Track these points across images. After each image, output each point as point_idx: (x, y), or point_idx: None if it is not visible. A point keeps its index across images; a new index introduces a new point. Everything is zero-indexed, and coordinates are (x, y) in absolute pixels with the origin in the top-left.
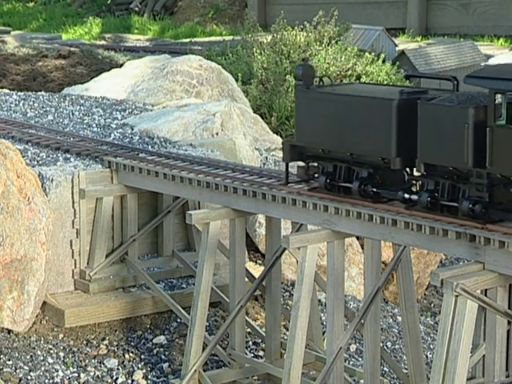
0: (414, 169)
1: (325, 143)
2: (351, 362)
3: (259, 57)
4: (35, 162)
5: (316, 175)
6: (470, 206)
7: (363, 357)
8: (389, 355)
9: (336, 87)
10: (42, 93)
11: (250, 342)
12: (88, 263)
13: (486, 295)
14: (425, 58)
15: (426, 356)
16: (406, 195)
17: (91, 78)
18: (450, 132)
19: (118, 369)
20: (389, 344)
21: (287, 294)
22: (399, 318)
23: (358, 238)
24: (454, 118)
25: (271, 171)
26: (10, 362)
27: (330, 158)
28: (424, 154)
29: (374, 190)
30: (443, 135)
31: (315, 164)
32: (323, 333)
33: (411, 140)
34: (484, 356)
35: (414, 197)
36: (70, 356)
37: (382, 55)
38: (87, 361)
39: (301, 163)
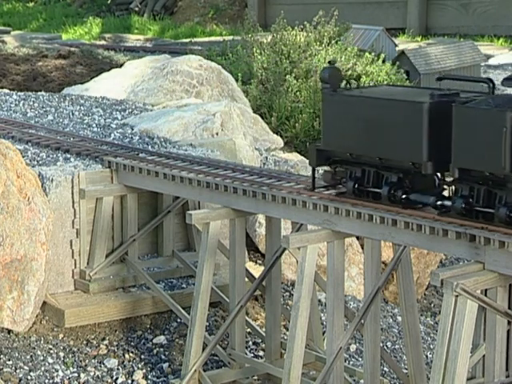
0: (446, 173)
1: (353, 147)
2: (351, 362)
3: (259, 57)
4: (35, 162)
5: (343, 180)
6: (508, 212)
7: (363, 357)
8: (389, 355)
9: (364, 90)
10: (42, 93)
11: (250, 342)
12: (88, 263)
13: (485, 295)
14: (425, 57)
15: (426, 356)
16: (439, 201)
17: (91, 78)
18: (487, 136)
19: (118, 369)
20: (389, 344)
21: (287, 294)
22: (399, 318)
23: (358, 238)
24: (491, 121)
25: (271, 171)
26: (10, 362)
27: (358, 162)
28: (458, 159)
29: (405, 195)
30: (479, 139)
31: (342, 168)
32: (323, 333)
33: (443, 144)
34: (484, 356)
35: (448, 202)
36: (70, 356)
37: (382, 55)
38: (87, 361)
39: (327, 167)
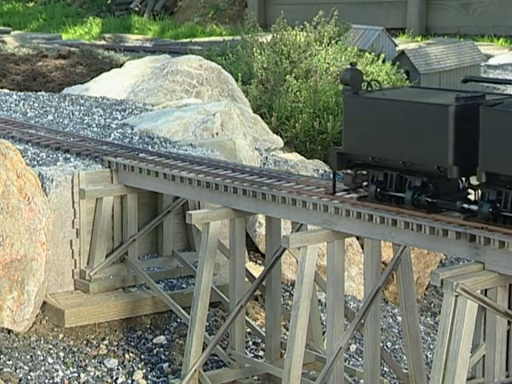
0: (471, 177)
1: (375, 151)
2: (351, 362)
3: (259, 57)
4: (35, 162)
5: (364, 183)
6: None
7: (363, 357)
8: (389, 355)
9: (385, 92)
10: (42, 93)
11: (250, 342)
12: (88, 263)
13: (485, 295)
14: (425, 57)
15: (426, 356)
16: (465, 205)
17: (91, 78)
18: None
19: (118, 369)
20: (389, 344)
21: (287, 294)
22: (399, 318)
23: (357, 238)
24: None
25: (271, 171)
26: (10, 362)
27: (381, 166)
28: (486, 163)
29: (429, 199)
30: (508, 143)
31: (363, 172)
32: (323, 333)
33: (469, 147)
34: (484, 356)
35: (474, 207)
36: (70, 356)
37: (382, 55)
38: (87, 361)
39: (348, 170)
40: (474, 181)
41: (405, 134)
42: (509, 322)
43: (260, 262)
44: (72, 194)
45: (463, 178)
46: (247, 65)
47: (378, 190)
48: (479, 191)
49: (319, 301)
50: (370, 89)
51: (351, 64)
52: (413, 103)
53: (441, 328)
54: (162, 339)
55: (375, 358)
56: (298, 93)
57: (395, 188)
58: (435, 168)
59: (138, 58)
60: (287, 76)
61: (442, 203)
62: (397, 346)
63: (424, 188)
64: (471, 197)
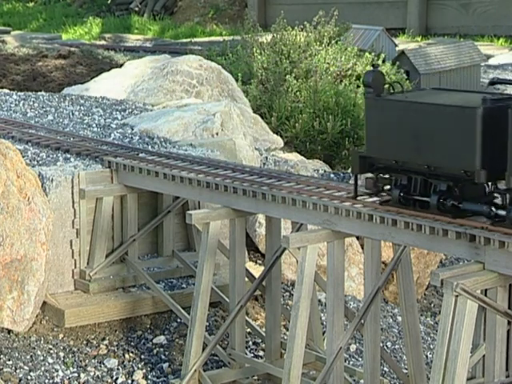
0: (498, 182)
1: (398, 154)
2: (351, 362)
3: (259, 57)
4: (35, 162)
5: (386, 187)
6: None
7: (363, 357)
8: (389, 355)
9: (408, 94)
10: (42, 93)
11: (250, 342)
12: (88, 263)
13: (486, 295)
14: (425, 57)
15: (426, 356)
16: (492, 210)
17: (91, 78)
18: None
19: (118, 369)
20: (389, 344)
21: (287, 294)
22: (399, 318)
23: (357, 238)
24: None
25: (271, 171)
26: (10, 362)
27: (405, 169)
28: None
29: (455, 204)
30: None
31: (385, 175)
32: (323, 333)
33: (497, 151)
34: (484, 356)
35: (502, 212)
36: (70, 356)
37: (382, 55)
38: (87, 361)
39: (369, 174)
40: (501, 185)
41: (430, 138)
42: (509, 322)
43: (260, 262)
44: (72, 193)
45: (489, 182)
46: (247, 65)
47: (402, 194)
48: (507, 196)
49: (319, 301)
50: (392, 91)
51: (373, 66)
52: (438, 106)
53: (441, 328)
54: (161, 339)
55: (375, 358)
56: (298, 93)
57: (419, 192)
58: (462, 172)
59: (138, 57)
60: (287, 76)
61: (469, 207)
62: (397, 346)
63: (449, 192)
64: (497, 201)
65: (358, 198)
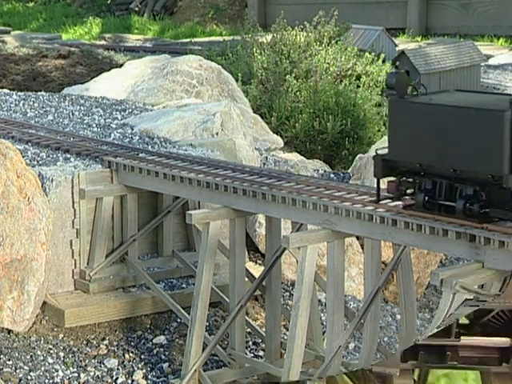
0: None
1: (423, 158)
2: (348, 358)
3: (259, 57)
4: (35, 162)
5: (408, 191)
6: None
7: (360, 352)
8: (384, 347)
9: (432, 96)
10: (42, 93)
11: (250, 342)
12: (88, 263)
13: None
14: (425, 57)
15: None
16: None
17: (91, 78)
18: None
19: (118, 369)
20: (386, 339)
21: (287, 294)
22: (398, 317)
23: (357, 237)
24: None
25: (271, 171)
26: (10, 362)
27: (429, 173)
28: None
29: (482, 209)
30: None
31: (409, 179)
32: (323, 333)
33: None
34: None
35: None
36: (70, 356)
37: (382, 55)
38: (87, 361)
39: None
40: None
41: (455, 141)
42: None
43: (260, 262)
44: (72, 193)
45: None
46: (247, 65)
47: (427, 198)
48: None
49: (319, 301)
50: (415, 93)
51: (396, 67)
52: (465, 109)
53: (434, 320)
54: (161, 339)
55: (371, 352)
56: (298, 93)
57: (445, 197)
58: (489, 176)
59: (138, 57)
60: (287, 76)
61: (496, 213)
62: (392, 340)
63: (476, 197)
64: None
65: (381, 202)
